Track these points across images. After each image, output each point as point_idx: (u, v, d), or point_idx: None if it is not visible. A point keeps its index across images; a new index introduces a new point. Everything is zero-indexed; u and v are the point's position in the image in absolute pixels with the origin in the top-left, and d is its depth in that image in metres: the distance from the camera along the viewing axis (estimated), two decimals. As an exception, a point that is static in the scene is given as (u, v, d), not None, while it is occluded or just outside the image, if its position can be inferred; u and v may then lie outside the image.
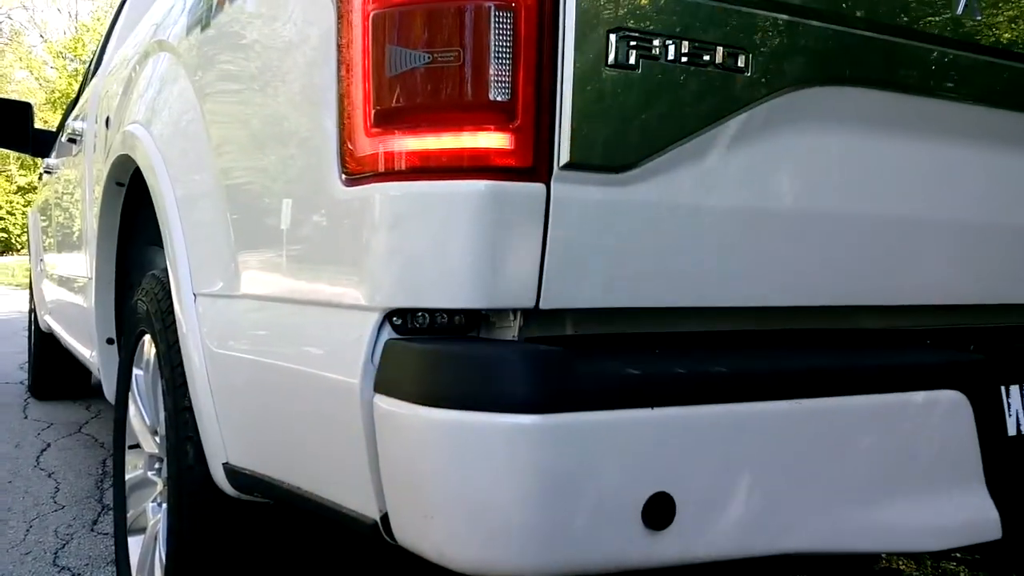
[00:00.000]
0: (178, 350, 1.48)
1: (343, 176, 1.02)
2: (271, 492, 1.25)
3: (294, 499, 1.18)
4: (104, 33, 3.52)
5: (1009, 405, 1.31)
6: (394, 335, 0.98)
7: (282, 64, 1.20)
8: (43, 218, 4.17)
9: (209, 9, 1.49)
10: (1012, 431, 1.30)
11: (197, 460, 1.43)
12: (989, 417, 1.21)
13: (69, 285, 3.10)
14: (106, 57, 2.95)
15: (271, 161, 1.23)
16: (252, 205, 1.30)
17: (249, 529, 1.46)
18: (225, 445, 1.35)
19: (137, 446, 1.95)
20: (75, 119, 3.09)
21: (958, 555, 2.33)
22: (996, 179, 1.31)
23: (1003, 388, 1.30)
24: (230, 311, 1.34)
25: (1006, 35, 1.26)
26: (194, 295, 1.42)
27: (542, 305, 0.97)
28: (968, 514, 1.17)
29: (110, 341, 2.35)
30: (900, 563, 2.34)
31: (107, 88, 2.48)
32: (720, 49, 1.04)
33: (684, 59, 1.02)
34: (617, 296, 1.03)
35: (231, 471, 1.34)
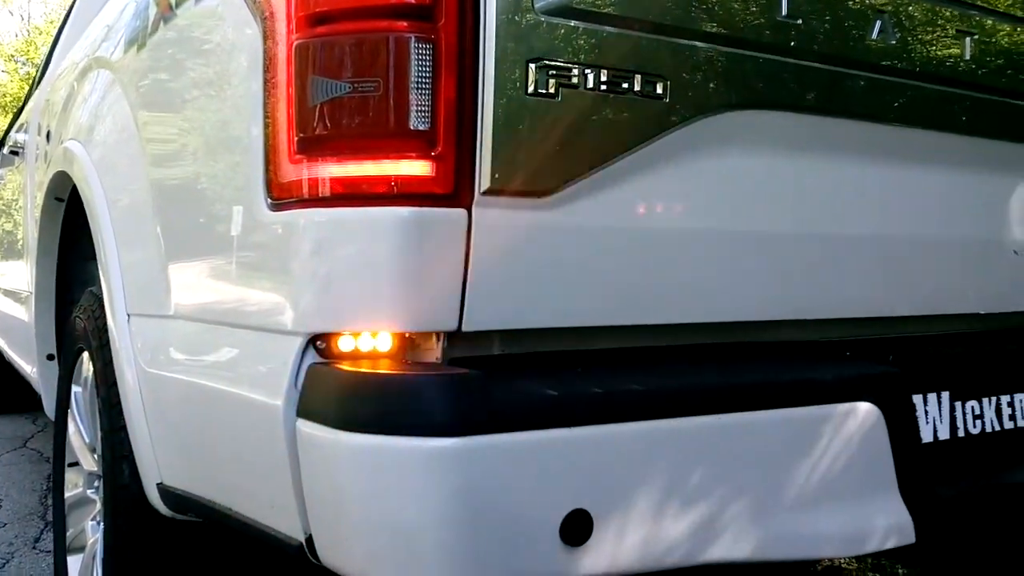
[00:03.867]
0: (113, 368, 1.47)
1: (268, 201, 1.04)
2: (203, 512, 1.26)
3: (225, 520, 1.19)
4: (51, 41, 3.47)
5: (926, 413, 1.37)
6: (318, 359, 0.99)
7: (212, 88, 1.21)
8: (-13, 228, 4.08)
9: (145, 28, 1.49)
10: (928, 438, 1.35)
11: (132, 479, 1.43)
12: (902, 426, 1.26)
13: (11, 298, 3.05)
14: (50, 67, 2.91)
15: (201, 184, 1.24)
16: (183, 228, 1.30)
17: (185, 548, 1.46)
18: (159, 465, 1.35)
19: (77, 464, 1.94)
20: (17, 131, 3.04)
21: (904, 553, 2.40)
22: (910, 195, 1.36)
23: (919, 397, 1.35)
24: (162, 331, 1.34)
25: (920, 58, 1.31)
26: (127, 314, 1.42)
27: (464, 327, 1.00)
28: (883, 520, 1.21)
29: (50, 357, 2.32)
30: (842, 562, 2.40)
31: (48, 101, 2.45)
32: (638, 77, 1.07)
33: (603, 87, 1.05)
34: (540, 317, 1.06)
35: (165, 491, 1.34)
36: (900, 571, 2.28)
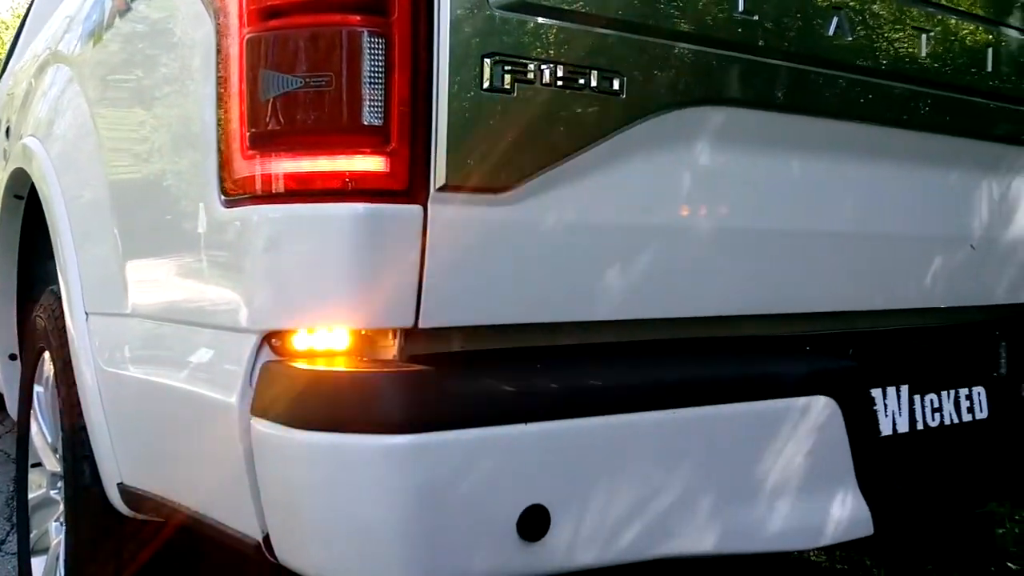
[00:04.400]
0: (73, 368, 1.45)
1: (222, 197, 1.03)
2: (163, 512, 1.25)
3: (184, 519, 1.18)
4: (13, 37, 3.42)
5: (885, 407, 1.38)
6: (273, 357, 0.99)
7: (167, 84, 1.20)
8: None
9: (102, 22, 1.47)
10: (887, 431, 1.37)
11: (93, 480, 1.42)
12: (860, 420, 1.28)
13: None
14: (12, 60, 2.87)
15: (157, 181, 1.23)
16: (140, 225, 1.29)
17: (146, 549, 1.44)
18: (119, 465, 1.34)
19: (40, 465, 1.91)
20: (-21, 126, 2.99)
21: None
22: (867, 191, 1.38)
23: (878, 391, 1.37)
24: (120, 329, 1.32)
25: (877, 55, 1.32)
26: (86, 313, 1.40)
27: (421, 324, 0.99)
28: (841, 513, 1.23)
29: (12, 357, 2.29)
30: (811, 554, 2.42)
31: (9, 95, 2.41)
32: (595, 72, 1.07)
33: (559, 83, 1.04)
34: (498, 313, 1.06)
35: (125, 491, 1.33)
36: (867, 562, 2.30)
